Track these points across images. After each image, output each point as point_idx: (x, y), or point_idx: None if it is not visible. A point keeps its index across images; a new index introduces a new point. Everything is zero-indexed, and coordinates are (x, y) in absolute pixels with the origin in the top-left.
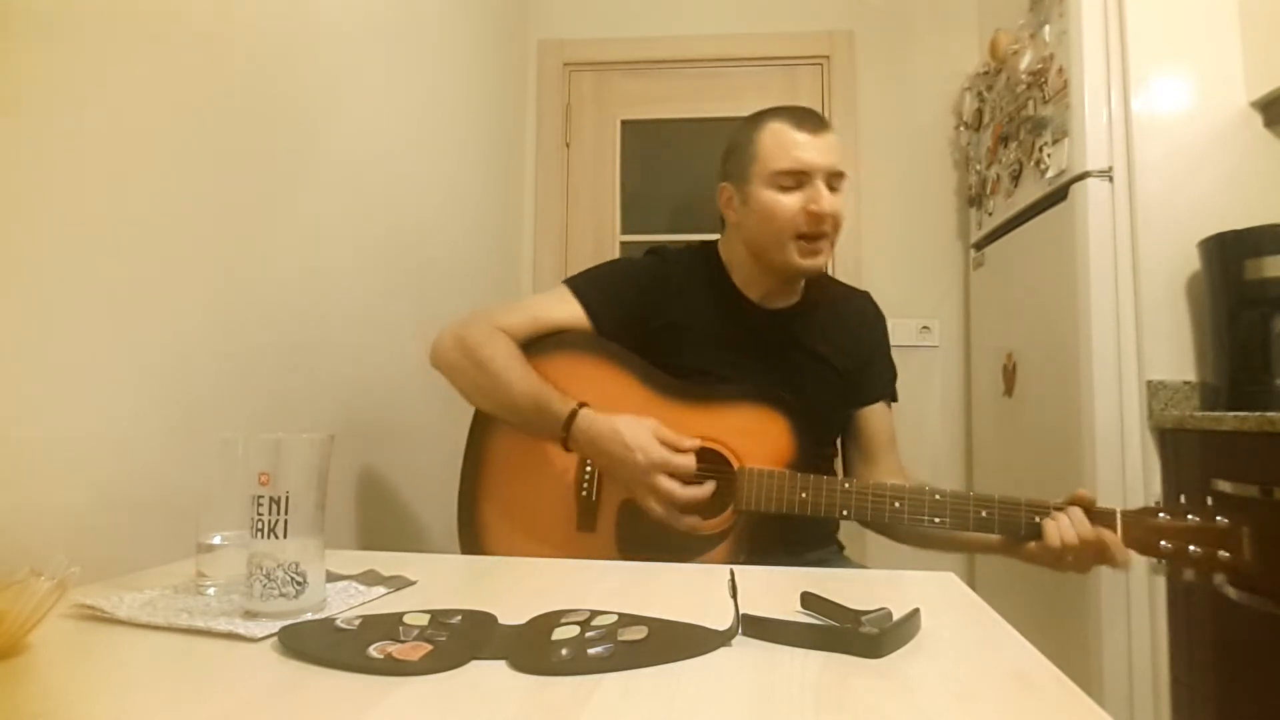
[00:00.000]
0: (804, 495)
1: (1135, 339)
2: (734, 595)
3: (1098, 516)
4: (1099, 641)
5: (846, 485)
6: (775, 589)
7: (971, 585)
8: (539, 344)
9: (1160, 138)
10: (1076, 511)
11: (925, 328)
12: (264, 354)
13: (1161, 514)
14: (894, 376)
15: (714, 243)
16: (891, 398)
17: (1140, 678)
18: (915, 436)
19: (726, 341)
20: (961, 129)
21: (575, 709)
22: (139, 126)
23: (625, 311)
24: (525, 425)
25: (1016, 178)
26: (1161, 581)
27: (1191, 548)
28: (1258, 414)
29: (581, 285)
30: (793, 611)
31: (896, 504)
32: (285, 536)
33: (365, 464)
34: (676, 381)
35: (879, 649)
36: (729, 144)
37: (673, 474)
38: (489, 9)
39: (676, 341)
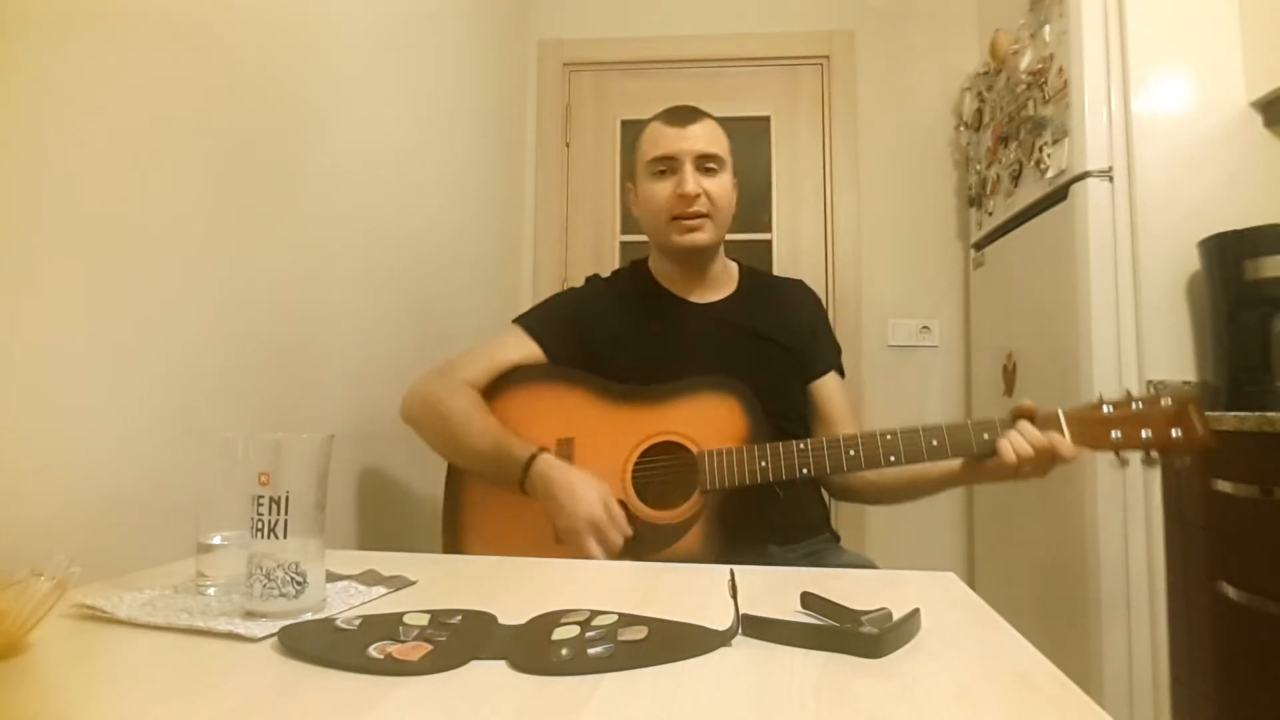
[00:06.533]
0: (763, 464)
1: (1135, 339)
2: (734, 595)
3: (1042, 422)
4: (1099, 641)
5: (802, 445)
6: (775, 589)
7: (971, 585)
8: (495, 385)
9: (1160, 138)
10: (1024, 424)
11: (925, 328)
12: (264, 354)
13: (1106, 406)
14: (839, 351)
15: (644, 259)
16: (839, 371)
17: (1140, 678)
18: None
19: (670, 342)
20: (961, 129)
21: (575, 709)
22: (137, 127)
23: (571, 336)
24: (487, 471)
25: (1016, 178)
26: (1161, 582)
27: (1144, 433)
28: (1258, 414)
29: (530, 321)
30: (793, 611)
31: (851, 451)
32: (285, 536)
33: (365, 464)
34: (629, 388)
35: (879, 649)
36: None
37: (601, 541)
38: (489, 9)
39: (623, 352)
